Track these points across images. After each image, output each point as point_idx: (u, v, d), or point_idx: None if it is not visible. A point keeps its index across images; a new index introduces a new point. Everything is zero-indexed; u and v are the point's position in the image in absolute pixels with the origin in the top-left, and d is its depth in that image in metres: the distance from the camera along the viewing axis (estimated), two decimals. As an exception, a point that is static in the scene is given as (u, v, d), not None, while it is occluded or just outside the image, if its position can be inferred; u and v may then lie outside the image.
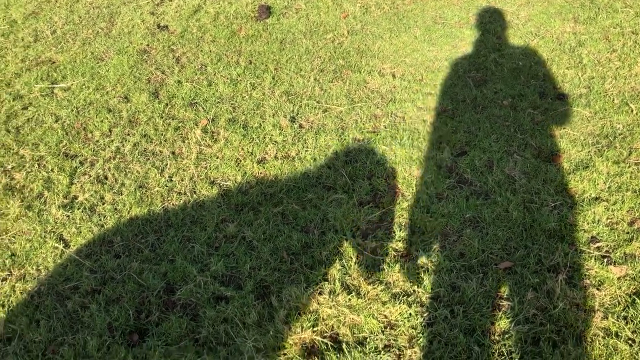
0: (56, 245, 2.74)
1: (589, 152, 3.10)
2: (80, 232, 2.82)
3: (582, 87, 3.78)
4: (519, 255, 2.47)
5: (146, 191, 3.08)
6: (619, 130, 3.27)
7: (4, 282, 2.56)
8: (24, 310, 2.40)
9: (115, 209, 2.97)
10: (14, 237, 2.81)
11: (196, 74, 4.26)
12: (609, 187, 2.82)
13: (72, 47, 4.82)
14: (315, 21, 5.08)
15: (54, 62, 4.58)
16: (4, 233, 2.83)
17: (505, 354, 2.07)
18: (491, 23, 4.82)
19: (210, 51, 4.62)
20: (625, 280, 2.31)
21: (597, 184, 2.84)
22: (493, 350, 2.08)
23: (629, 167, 2.95)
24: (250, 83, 4.08)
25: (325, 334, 2.19)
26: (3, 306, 2.43)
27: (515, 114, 3.52)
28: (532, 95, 3.72)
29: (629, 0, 4.93)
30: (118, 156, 3.37)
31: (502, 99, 3.72)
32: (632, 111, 3.43)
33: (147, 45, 4.78)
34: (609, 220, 2.63)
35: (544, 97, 3.69)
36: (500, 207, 2.76)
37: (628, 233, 2.55)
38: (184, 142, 3.46)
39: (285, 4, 5.47)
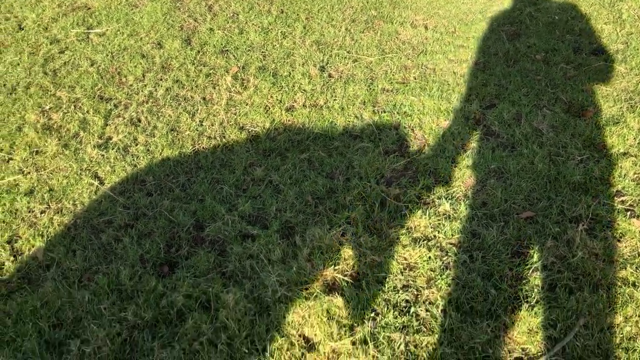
0: (91, 182, 2.86)
1: (620, 107, 3.05)
2: (115, 171, 2.93)
3: (619, 42, 3.69)
4: (542, 206, 2.50)
5: (177, 134, 3.16)
6: (654, 87, 3.20)
7: (43, 214, 2.69)
8: (61, 241, 2.54)
9: (148, 150, 3.06)
10: (51, 173, 2.94)
11: (228, 22, 4.28)
12: (638, 143, 2.79)
13: (107, -7, 4.87)
14: (348, -29, 5.02)
15: (89, 8, 4.64)
16: (42, 169, 2.96)
17: (522, 298, 2.12)
18: (529, -24, 4.70)
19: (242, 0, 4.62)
20: (647, 233, 2.32)
21: (627, 140, 2.81)
22: (509, 294, 2.13)
23: (661, 124, 2.91)
24: (281, 32, 4.09)
25: (346, 273, 2.27)
26: (42, 236, 2.57)
27: (548, 68, 3.47)
28: (566, 50, 3.65)
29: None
30: (151, 100, 3.46)
31: (535, 53, 3.66)
32: (669, 68, 3.35)
33: (180, -8, 4.80)
34: (635, 175, 2.62)
35: (578, 52, 3.62)
36: (525, 159, 2.76)
37: (654, 188, 2.54)
38: (214, 88, 3.52)
39: (319, -47, 5.40)
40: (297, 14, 4.33)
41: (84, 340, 2.08)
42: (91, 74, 3.72)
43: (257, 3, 4.55)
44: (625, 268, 2.18)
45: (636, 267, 2.18)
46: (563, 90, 3.25)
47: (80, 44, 4.11)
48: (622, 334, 1.97)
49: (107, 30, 4.28)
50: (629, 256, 2.23)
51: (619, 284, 2.13)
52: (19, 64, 3.91)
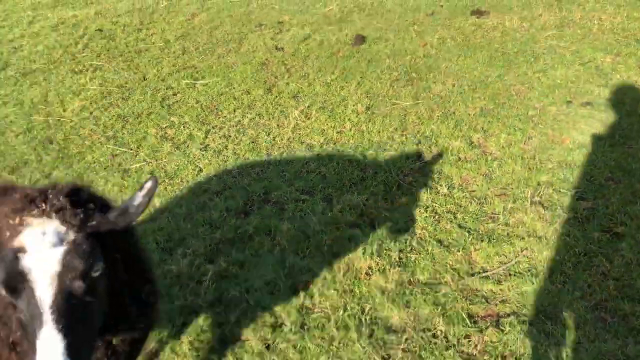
0: (194, 168, 4.03)
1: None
2: (211, 164, 4.09)
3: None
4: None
5: (256, 145, 4.33)
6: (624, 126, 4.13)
7: (160, 184, 3.86)
8: (171, 200, 3.68)
9: (235, 153, 4.23)
10: (166, 163, 4.14)
11: (300, 79, 5.55)
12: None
13: (210, 58, 6.33)
14: (399, 47, 6.27)
15: (196, 68, 6.08)
16: (160, 160, 4.17)
17: (485, 236, 3.03)
18: (544, 54, 5.76)
19: (313, 65, 5.93)
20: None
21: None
22: (475, 236, 3.05)
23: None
24: (340, 86, 5.30)
25: (365, 219, 3.26)
26: (159, 196, 3.72)
27: (543, 113, 4.46)
28: (562, 102, 4.63)
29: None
30: (239, 125, 4.68)
31: (536, 103, 4.66)
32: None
33: (266, 59, 6.18)
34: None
35: (570, 104, 4.60)
36: (509, 164, 3.72)
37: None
38: (286, 118, 4.71)
39: (378, 35, 6.72)
40: (354, 75, 5.56)
41: (187, 246, 3.16)
42: (196, 108, 5.02)
43: (324, 67, 5.83)
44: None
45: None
46: (551, 127, 4.21)
47: (189, 90, 5.48)
48: (552, 259, 2.83)
49: (209, 82, 5.65)
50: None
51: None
52: (143, 101, 5.29)
